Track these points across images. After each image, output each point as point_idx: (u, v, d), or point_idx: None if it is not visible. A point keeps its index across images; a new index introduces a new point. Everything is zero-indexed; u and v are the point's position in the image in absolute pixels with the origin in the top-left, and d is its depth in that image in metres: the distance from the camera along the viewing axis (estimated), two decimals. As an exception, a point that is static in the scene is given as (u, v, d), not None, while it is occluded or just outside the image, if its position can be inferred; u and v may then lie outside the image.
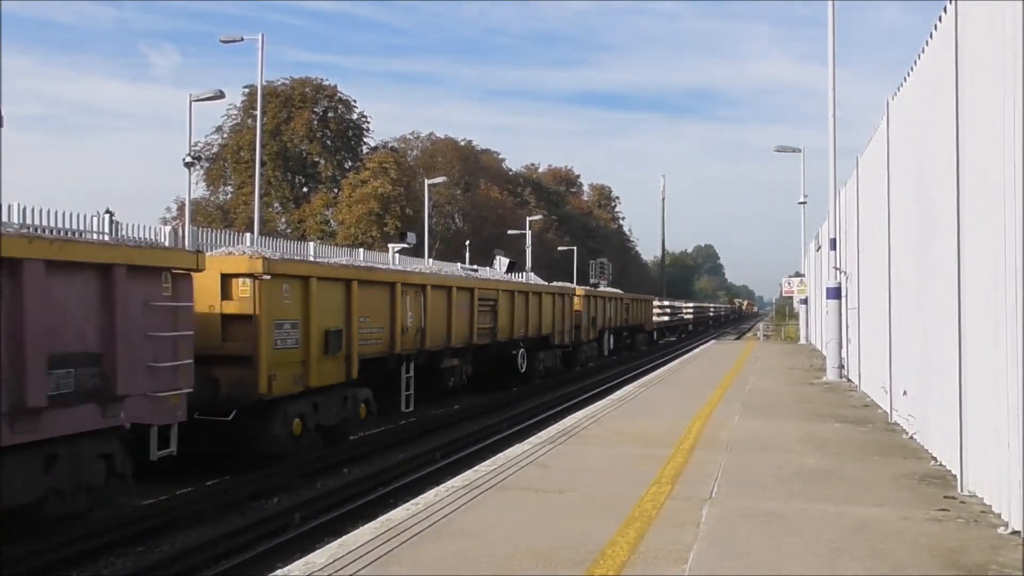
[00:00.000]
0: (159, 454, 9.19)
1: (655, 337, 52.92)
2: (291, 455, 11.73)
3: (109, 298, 8.38)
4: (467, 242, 56.69)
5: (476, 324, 18.84)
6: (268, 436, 11.37)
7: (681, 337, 57.48)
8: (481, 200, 73.98)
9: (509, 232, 63.01)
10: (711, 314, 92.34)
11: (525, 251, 56.07)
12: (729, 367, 21.61)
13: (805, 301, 36.16)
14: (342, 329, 13.05)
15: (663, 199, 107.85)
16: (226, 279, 11.08)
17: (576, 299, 28.49)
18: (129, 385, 8.54)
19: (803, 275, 37.72)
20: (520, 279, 30.82)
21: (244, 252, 12.01)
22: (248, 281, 11.05)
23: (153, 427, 9.06)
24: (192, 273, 9.56)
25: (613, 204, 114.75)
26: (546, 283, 31.19)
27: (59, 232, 14.67)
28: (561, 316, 25.87)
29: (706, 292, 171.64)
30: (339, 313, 13.13)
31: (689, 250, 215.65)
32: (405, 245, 34.02)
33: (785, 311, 75.56)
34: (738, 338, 55.02)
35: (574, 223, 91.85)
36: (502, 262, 38.11)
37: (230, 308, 11.04)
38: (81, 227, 15.79)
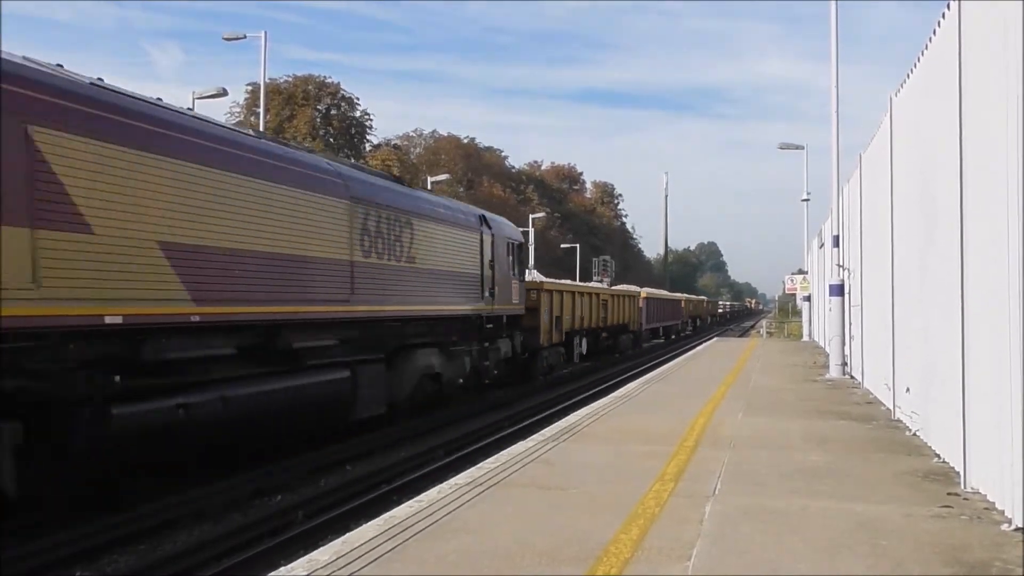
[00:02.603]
0: None
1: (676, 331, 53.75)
2: None
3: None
4: (469, 240, 56.63)
5: None
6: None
7: (672, 338, 57.45)
8: (484, 197, 73.87)
9: (512, 230, 63.13)
10: (736, 309, 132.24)
11: (528, 249, 56.18)
12: (732, 365, 21.62)
13: (808, 298, 36.16)
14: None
15: (665, 196, 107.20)
16: None
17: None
18: None
19: (806, 272, 37.70)
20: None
21: None
22: None
23: None
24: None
25: (616, 201, 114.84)
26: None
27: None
28: None
29: (709, 289, 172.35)
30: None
31: (692, 247, 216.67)
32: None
33: (788, 308, 75.67)
34: (742, 335, 54.97)
35: (577, 220, 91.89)
36: None
37: None
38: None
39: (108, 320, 7.82)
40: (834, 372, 17.75)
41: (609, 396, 14.69)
